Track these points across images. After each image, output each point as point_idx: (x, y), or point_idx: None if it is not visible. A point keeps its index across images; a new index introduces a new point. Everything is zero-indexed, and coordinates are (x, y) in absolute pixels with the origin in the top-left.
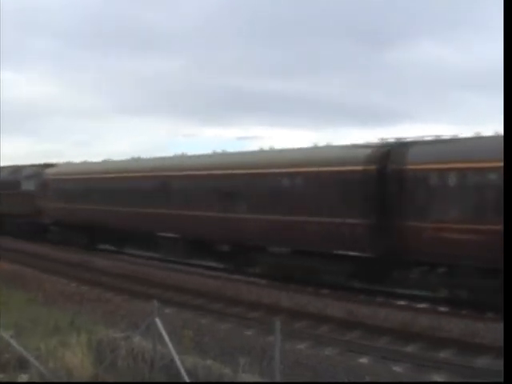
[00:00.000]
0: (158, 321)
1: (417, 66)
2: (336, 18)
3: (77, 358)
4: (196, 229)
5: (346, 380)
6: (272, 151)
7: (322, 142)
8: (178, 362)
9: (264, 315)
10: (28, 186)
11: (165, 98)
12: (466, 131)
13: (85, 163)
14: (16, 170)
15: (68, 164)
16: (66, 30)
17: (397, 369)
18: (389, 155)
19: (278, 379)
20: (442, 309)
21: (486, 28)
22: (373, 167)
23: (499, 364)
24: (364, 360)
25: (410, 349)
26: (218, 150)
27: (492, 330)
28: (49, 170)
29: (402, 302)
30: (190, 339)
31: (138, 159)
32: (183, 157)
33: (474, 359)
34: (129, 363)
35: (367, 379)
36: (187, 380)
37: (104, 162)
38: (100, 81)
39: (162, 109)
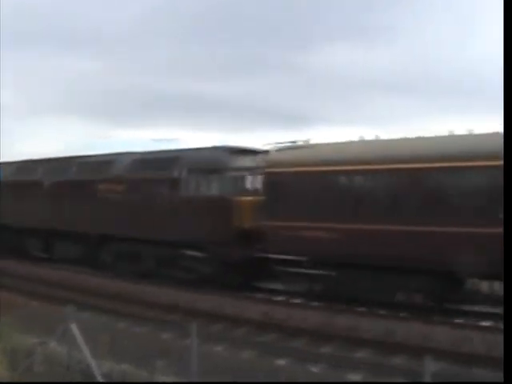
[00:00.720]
0: (73, 326)
1: (331, 68)
2: (253, 20)
3: None
4: None
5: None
6: None
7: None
8: (94, 367)
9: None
10: (202, 186)
11: (83, 99)
12: (380, 133)
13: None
14: (161, 157)
15: (330, 145)
16: None
17: (314, 369)
18: None
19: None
20: (360, 309)
21: (398, 31)
22: None
23: (415, 363)
24: (281, 361)
25: (326, 349)
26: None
27: (406, 330)
28: (273, 157)
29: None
30: (107, 343)
31: None
32: None
33: (391, 359)
34: (45, 368)
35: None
36: None
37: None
38: (20, 80)
39: (80, 109)
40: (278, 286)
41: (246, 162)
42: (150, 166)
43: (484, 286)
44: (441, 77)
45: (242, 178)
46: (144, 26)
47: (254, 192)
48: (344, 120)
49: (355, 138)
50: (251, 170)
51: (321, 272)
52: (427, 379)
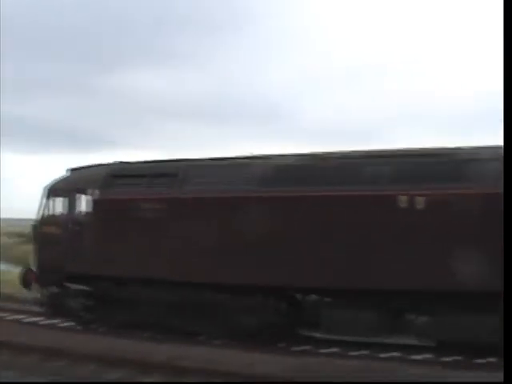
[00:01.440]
0: None
1: (132, 93)
2: (61, 41)
3: None
4: None
5: None
6: None
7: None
8: None
9: None
10: None
11: None
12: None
13: None
14: None
15: None
16: None
17: None
18: None
19: None
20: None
21: (197, 59)
22: None
23: None
24: None
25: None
26: None
27: (197, 354)
28: None
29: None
30: None
31: None
32: None
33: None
34: None
35: None
36: None
37: None
38: None
39: None
40: None
41: None
42: None
43: None
44: (246, 104)
45: None
46: None
47: None
48: (136, 144)
49: None
50: None
51: None
52: None
